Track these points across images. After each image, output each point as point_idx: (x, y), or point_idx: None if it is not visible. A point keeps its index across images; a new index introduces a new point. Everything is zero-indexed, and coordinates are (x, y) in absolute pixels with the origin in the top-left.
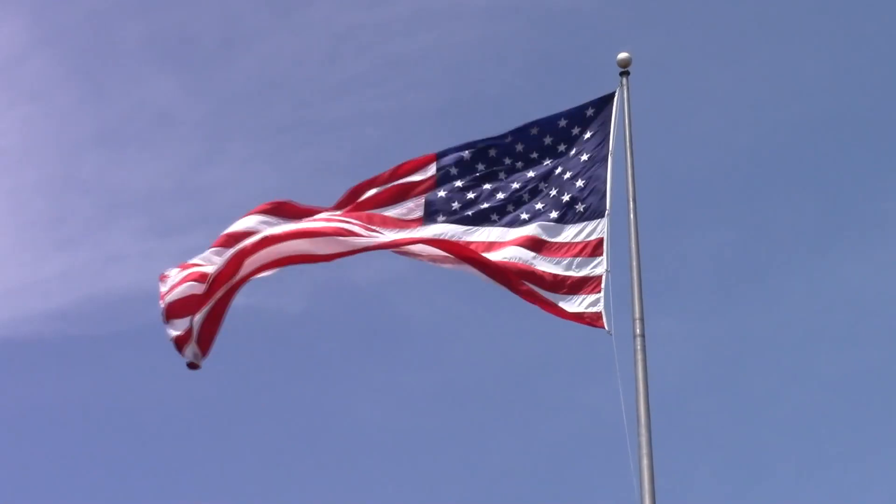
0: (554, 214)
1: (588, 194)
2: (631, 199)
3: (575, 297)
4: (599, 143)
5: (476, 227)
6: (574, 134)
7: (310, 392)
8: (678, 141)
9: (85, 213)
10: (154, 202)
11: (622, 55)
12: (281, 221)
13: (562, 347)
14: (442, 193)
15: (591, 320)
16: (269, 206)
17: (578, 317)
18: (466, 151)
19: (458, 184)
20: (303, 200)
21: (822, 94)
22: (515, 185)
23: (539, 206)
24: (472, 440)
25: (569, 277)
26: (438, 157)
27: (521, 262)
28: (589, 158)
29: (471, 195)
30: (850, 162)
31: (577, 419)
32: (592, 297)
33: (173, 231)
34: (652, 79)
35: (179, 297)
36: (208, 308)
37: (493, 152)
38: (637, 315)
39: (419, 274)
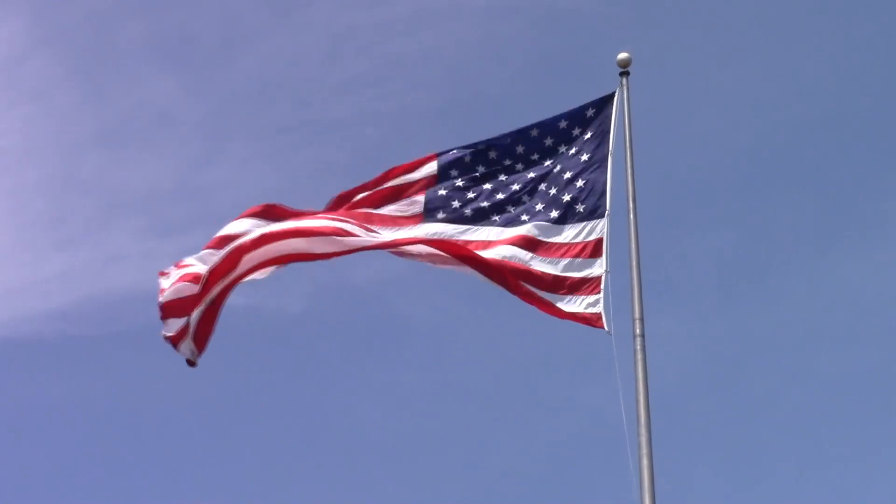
0: (554, 214)
1: (588, 194)
2: (631, 199)
3: (574, 297)
4: (599, 144)
5: (475, 227)
6: (575, 135)
7: (310, 392)
8: (678, 141)
9: (85, 213)
10: (154, 202)
11: (622, 55)
12: (272, 223)
13: (562, 347)
14: (442, 192)
15: (591, 320)
16: (259, 209)
17: (576, 316)
18: (467, 152)
19: (459, 183)
20: (303, 200)
21: (822, 94)
22: (516, 187)
23: (539, 206)
24: (472, 440)
25: (568, 278)
26: (439, 156)
27: (518, 262)
28: (589, 159)
29: (471, 195)
30: (850, 162)
31: (576, 419)
32: (592, 298)
33: (173, 231)
34: (652, 79)
35: (175, 297)
36: (205, 305)
37: (493, 154)
38: (637, 315)
39: (419, 274)
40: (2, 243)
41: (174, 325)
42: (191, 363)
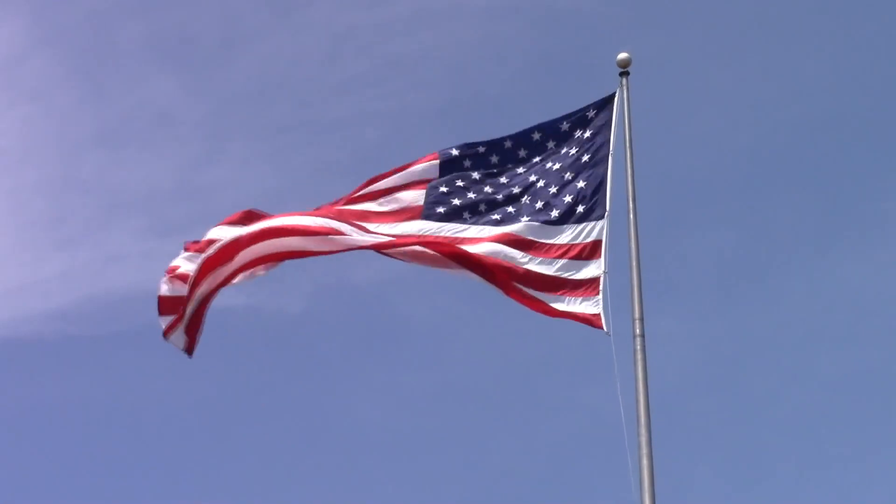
0: (554, 214)
1: (588, 195)
2: (631, 200)
3: (571, 298)
4: (600, 144)
5: (475, 226)
6: (576, 136)
7: (310, 392)
8: (678, 141)
9: (85, 213)
10: (154, 202)
11: (622, 55)
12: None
13: (561, 348)
14: (443, 189)
15: (589, 319)
16: (237, 217)
17: (572, 314)
18: (469, 152)
19: (459, 183)
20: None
21: (822, 94)
22: (516, 189)
23: (539, 205)
24: (472, 440)
25: (565, 279)
26: (441, 155)
27: (510, 261)
28: (589, 159)
29: (471, 194)
30: (850, 162)
31: (576, 419)
32: (591, 299)
33: (173, 231)
34: (652, 79)
35: (170, 295)
36: (199, 298)
37: (494, 157)
38: (637, 315)
39: (419, 274)
40: (2, 243)
41: (168, 321)
42: (187, 352)
